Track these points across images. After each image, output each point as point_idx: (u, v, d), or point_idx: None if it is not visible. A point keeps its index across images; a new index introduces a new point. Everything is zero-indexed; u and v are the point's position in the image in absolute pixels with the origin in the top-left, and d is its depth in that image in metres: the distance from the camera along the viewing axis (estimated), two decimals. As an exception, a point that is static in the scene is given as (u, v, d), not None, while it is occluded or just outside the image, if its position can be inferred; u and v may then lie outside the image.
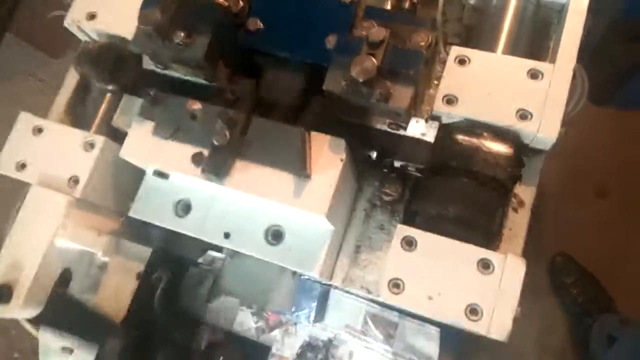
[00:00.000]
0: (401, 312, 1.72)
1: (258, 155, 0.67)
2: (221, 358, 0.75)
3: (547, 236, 1.79)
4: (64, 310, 0.76)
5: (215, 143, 0.65)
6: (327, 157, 0.66)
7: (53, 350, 0.81)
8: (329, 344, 1.86)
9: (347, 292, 1.72)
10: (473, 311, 0.62)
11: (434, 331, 1.68)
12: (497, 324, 0.62)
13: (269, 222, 0.73)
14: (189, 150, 0.69)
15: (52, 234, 0.73)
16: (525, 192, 0.71)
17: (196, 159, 0.67)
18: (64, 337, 0.77)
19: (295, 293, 0.94)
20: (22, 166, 0.78)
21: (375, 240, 0.79)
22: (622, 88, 1.68)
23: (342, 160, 0.66)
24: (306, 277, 0.99)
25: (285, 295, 0.89)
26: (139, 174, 0.78)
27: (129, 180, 0.79)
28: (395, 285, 0.65)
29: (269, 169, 0.66)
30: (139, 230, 0.81)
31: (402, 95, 0.65)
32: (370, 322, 1.77)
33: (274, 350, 1.79)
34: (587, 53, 0.83)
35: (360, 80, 0.60)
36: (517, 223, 0.70)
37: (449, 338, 1.61)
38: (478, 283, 0.63)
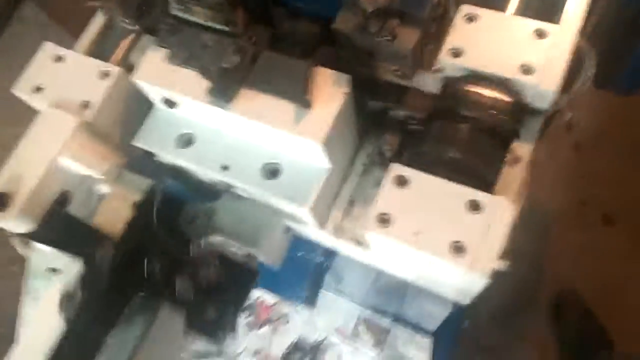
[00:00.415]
0: (395, 318, 1.70)
1: (263, 85, 0.69)
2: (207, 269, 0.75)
3: (551, 261, 1.76)
4: (58, 227, 0.77)
5: (225, 66, 0.67)
6: (331, 90, 0.68)
7: (40, 271, 0.82)
8: (316, 348, 1.83)
9: (341, 293, 1.70)
10: (458, 249, 0.62)
11: (426, 341, 1.65)
12: (480, 261, 0.61)
13: (267, 158, 0.74)
14: (199, 77, 0.71)
15: (56, 151, 0.75)
16: (522, 149, 0.72)
17: (206, 85, 0.70)
18: (54, 255, 0.78)
19: (286, 252, 0.94)
20: (37, 89, 0.81)
21: (370, 195, 0.79)
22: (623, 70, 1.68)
23: (344, 93, 0.68)
24: (301, 243, 0.99)
25: (276, 250, 0.89)
26: (147, 111, 0.80)
27: (137, 116, 0.81)
28: (383, 220, 0.65)
29: (273, 98, 0.68)
30: (142, 164, 0.82)
31: (408, 36, 0.67)
32: (362, 327, 1.74)
33: (258, 346, 1.76)
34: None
35: (370, 10, 0.63)
36: (512, 177, 0.70)
37: (441, 349, 1.58)
38: (466, 222, 0.63)
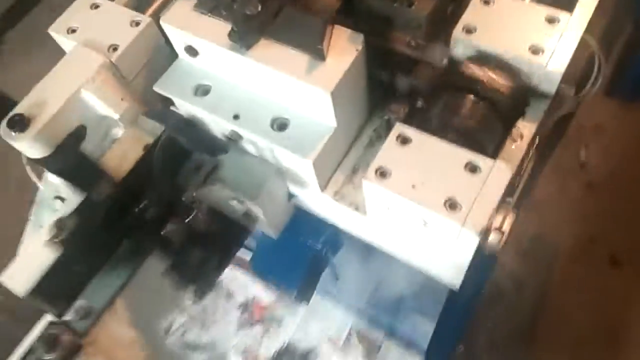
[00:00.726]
0: (388, 331, 1.67)
1: (282, 35, 0.72)
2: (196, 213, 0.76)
3: (554, 294, 1.73)
4: (69, 159, 0.80)
5: (247, 12, 0.71)
6: (345, 46, 0.71)
7: (47, 201, 0.84)
8: (304, 358, 1.79)
9: (336, 300, 1.69)
10: (452, 205, 0.63)
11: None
12: (473, 219, 0.62)
13: (277, 112, 0.77)
14: (222, 26, 0.75)
15: (80, 84, 0.79)
16: (526, 128, 0.73)
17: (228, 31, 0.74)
18: (62, 187, 0.80)
19: (286, 222, 0.95)
20: (71, 31, 0.86)
21: (374, 165, 0.81)
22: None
23: (357, 50, 0.71)
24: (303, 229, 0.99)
25: (276, 215, 0.90)
26: (169, 65, 0.84)
27: (159, 67, 0.85)
28: (382, 173, 0.66)
29: (289, 49, 0.72)
30: (158, 112, 0.86)
31: (424, 4, 0.71)
32: (354, 337, 1.72)
33: (247, 344, 1.73)
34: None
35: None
36: (513, 153, 0.71)
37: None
38: (462, 181, 0.64)
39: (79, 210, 0.78)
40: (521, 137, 0.73)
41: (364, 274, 1.43)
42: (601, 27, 0.84)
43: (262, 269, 1.21)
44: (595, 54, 0.82)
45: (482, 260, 1.82)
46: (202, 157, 0.84)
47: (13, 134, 0.75)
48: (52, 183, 0.85)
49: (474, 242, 0.63)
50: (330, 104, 0.70)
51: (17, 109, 0.77)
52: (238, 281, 1.78)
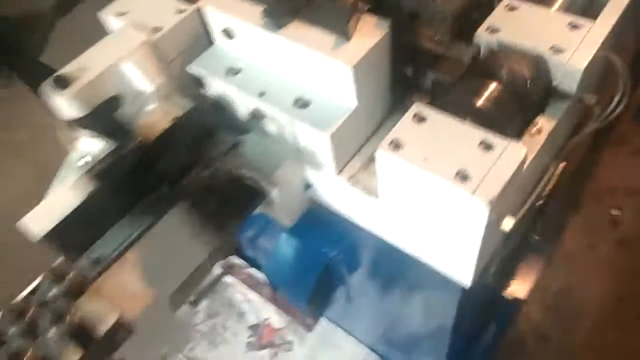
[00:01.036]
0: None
1: (312, 17, 0.77)
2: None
3: (579, 351, 1.63)
4: (102, 124, 0.84)
5: (283, -4, 0.76)
6: (370, 30, 0.75)
7: (74, 164, 0.88)
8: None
9: (349, 331, 1.64)
10: (463, 176, 0.63)
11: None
12: (483, 189, 0.61)
13: (300, 93, 0.80)
14: (259, 9, 0.80)
15: (121, 56, 0.85)
16: (545, 123, 0.74)
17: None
18: (91, 152, 0.84)
19: (300, 213, 0.95)
20: (121, 14, 0.94)
21: (391, 157, 0.82)
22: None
23: (382, 33, 0.74)
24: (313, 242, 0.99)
25: (291, 206, 0.91)
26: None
27: (195, 51, 0.91)
28: (396, 145, 0.67)
29: (318, 29, 0.76)
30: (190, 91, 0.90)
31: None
32: (364, 372, 1.64)
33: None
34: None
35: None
36: (531, 146, 0.71)
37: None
38: (475, 156, 0.64)
39: (108, 157, 0.81)
40: (540, 131, 0.73)
41: (380, 307, 1.40)
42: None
43: (274, 273, 1.20)
44: (620, 72, 0.83)
45: (504, 306, 1.74)
46: (226, 134, 0.87)
47: (55, 90, 0.81)
48: (81, 150, 0.89)
49: (484, 214, 0.62)
50: (351, 80, 0.72)
51: (61, 71, 0.83)
52: (251, 303, 1.76)
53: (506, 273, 1.64)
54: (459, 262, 0.77)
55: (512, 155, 0.64)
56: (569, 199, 1.77)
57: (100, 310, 0.67)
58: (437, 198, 0.66)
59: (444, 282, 0.83)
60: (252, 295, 1.78)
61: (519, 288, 1.72)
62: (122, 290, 0.71)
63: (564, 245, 1.83)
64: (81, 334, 0.65)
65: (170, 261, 0.78)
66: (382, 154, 0.67)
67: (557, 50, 0.73)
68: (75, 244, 0.74)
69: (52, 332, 0.63)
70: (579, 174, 1.86)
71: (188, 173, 0.78)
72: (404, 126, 0.69)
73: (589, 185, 1.92)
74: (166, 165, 0.81)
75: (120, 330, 0.66)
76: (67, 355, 0.63)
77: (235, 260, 1.85)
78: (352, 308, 1.48)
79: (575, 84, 0.74)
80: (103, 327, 0.65)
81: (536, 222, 1.51)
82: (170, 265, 0.78)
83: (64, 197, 0.78)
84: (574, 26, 0.76)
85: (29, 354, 0.63)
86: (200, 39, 0.93)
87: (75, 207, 0.77)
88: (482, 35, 0.77)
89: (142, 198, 0.82)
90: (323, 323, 1.70)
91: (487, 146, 0.65)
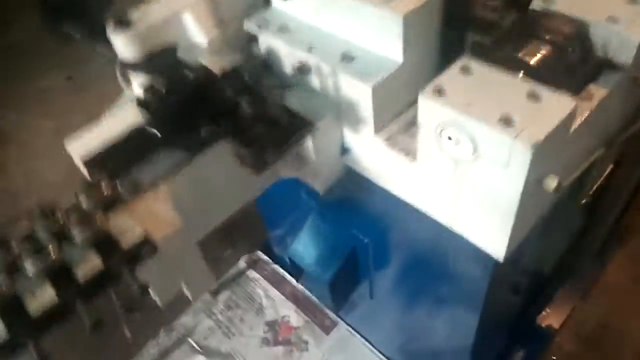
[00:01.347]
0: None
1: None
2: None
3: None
4: (158, 67, 0.88)
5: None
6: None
7: (128, 102, 0.91)
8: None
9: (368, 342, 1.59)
10: (507, 121, 0.61)
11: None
12: (527, 134, 0.60)
13: (347, 49, 0.81)
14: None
15: (182, 7, 0.89)
16: (596, 90, 0.72)
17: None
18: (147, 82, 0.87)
19: (334, 180, 0.95)
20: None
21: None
22: None
23: (433, -8, 0.75)
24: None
25: (325, 169, 0.91)
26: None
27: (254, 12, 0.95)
28: (439, 91, 0.67)
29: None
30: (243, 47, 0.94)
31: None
32: (379, 382, 1.58)
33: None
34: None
35: None
36: (581, 109, 0.69)
37: None
38: (521, 103, 0.63)
39: (157, 92, 0.83)
40: (590, 97, 0.72)
41: (403, 303, 1.35)
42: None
43: (300, 253, 1.18)
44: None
45: (535, 332, 1.65)
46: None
47: (117, 29, 0.85)
48: (132, 93, 0.93)
49: (526, 160, 0.60)
50: (400, 31, 0.73)
51: (127, 14, 0.87)
52: (272, 299, 1.74)
53: (541, 293, 1.57)
54: (494, 230, 0.74)
55: (560, 105, 0.63)
56: (616, 229, 1.69)
57: (129, 226, 0.68)
58: (477, 148, 0.65)
59: (476, 256, 0.80)
60: (274, 292, 1.76)
61: (553, 315, 1.63)
62: (153, 216, 0.71)
63: (607, 277, 1.74)
64: (106, 243, 0.65)
65: (205, 201, 0.79)
66: (424, 100, 0.67)
67: (613, 20, 0.72)
68: (117, 168, 0.76)
69: (78, 237, 0.64)
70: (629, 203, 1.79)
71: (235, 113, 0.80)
72: (449, 75, 0.69)
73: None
74: (213, 105, 0.83)
75: (145, 247, 0.67)
76: (90, 259, 0.64)
77: (261, 255, 1.84)
78: (373, 309, 1.44)
79: (630, 55, 0.72)
80: (129, 240, 0.66)
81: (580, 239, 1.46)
82: (205, 206, 0.79)
83: (113, 124, 0.81)
84: (633, 1, 0.75)
85: (51, 254, 0.63)
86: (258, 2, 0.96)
87: (122, 134, 0.80)
88: (537, 3, 0.77)
89: (188, 133, 0.83)
90: (341, 328, 1.65)
91: (535, 97, 0.64)
